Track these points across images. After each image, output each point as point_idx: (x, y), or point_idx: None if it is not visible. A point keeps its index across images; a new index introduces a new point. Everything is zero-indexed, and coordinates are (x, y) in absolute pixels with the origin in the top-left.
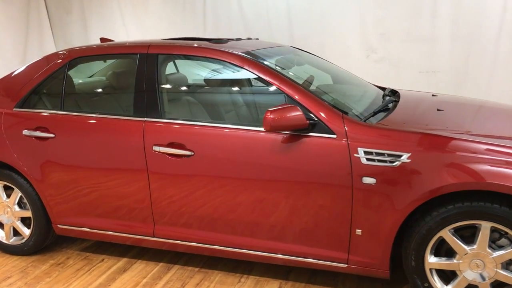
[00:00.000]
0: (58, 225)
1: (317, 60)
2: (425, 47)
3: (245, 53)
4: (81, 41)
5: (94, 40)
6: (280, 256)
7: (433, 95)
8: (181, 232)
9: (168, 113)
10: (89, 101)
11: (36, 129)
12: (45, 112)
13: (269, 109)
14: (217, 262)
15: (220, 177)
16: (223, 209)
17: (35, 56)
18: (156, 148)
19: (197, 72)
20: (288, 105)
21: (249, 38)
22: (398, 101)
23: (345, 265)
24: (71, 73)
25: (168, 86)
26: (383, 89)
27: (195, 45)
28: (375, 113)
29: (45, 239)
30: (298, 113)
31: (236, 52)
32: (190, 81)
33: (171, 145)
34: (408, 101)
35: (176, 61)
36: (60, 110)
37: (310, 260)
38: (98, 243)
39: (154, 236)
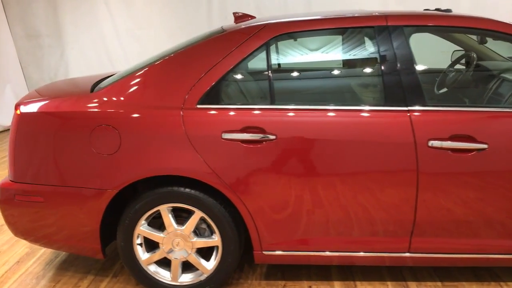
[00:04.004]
0: (263, 252)
1: None
2: None
3: None
4: (48, 23)
5: (67, 24)
6: None
7: None
8: (444, 243)
9: (435, 99)
10: (306, 89)
11: (244, 131)
12: (255, 108)
13: None
14: (448, 272)
15: None
16: None
17: None
18: (435, 143)
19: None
20: None
21: (437, 9)
22: None
23: None
24: (273, 54)
25: (426, 65)
26: None
27: (462, 14)
28: None
29: (232, 272)
30: None
31: None
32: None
33: (454, 138)
34: None
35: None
36: (270, 104)
37: None
38: (274, 267)
39: (409, 251)
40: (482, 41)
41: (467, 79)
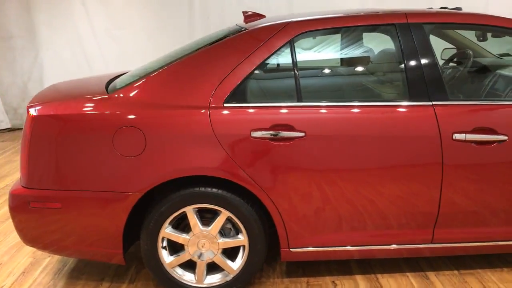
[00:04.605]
0: (291, 249)
1: None
2: None
3: None
4: (21, 24)
5: (41, 24)
6: None
7: None
8: (464, 233)
9: (457, 93)
10: (332, 86)
11: (272, 128)
12: (283, 106)
13: None
14: (462, 260)
15: None
16: None
17: None
18: (459, 136)
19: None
20: None
21: (443, 8)
22: None
23: None
24: (297, 52)
25: (446, 60)
26: None
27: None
28: None
29: (257, 271)
30: None
31: None
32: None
33: (476, 130)
34: None
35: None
36: (298, 101)
37: None
38: (293, 264)
39: (431, 242)
40: (483, 39)
41: (465, 75)
